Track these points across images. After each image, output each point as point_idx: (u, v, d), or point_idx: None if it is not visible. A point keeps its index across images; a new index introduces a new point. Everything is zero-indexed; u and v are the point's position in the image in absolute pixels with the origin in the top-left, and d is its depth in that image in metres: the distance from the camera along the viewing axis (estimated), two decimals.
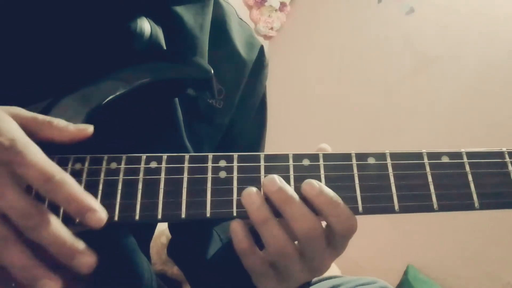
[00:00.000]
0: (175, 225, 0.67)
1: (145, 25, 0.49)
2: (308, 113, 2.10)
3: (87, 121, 0.41)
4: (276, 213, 0.37)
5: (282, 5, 2.23)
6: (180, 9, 0.53)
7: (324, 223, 0.38)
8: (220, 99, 0.58)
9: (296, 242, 0.38)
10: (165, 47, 0.50)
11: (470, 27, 1.91)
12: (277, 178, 0.36)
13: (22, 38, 0.45)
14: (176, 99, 0.52)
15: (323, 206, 0.36)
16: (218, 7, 0.61)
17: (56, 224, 0.33)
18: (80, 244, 0.33)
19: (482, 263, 1.74)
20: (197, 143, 0.55)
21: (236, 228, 0.37)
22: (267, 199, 0.36)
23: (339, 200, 0.36)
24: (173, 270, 1.25)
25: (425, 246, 1.81)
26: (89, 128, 0.37)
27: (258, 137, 0.69)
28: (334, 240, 0.38)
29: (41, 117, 0.37)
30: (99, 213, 0.33)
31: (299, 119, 2.09)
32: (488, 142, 1.76)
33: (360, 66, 2.09)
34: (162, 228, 1.11)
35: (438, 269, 1.80)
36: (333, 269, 1.48)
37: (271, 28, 2.23)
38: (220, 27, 0.60)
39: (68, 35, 0.45)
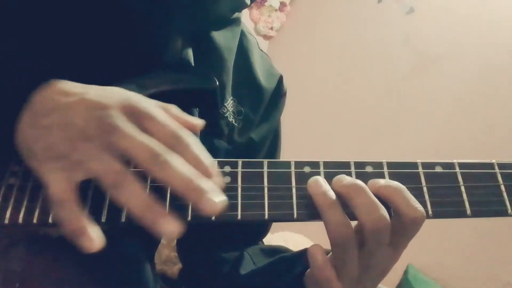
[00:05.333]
0: (185, 252, 0.67)
1: (178, 45, 0.51)
2: (308, 113, 2.10)
3: None
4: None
5: (282, 5, 2.23)
6: (214, 32, 0.57)
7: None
8: (240, 119, 0.61)
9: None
10: (193, 64, 0.53)
11: (470, 27, 1.91)
12: (342, 176, 0.39)
13: (54, 42, 0.46)
14: (196, 112, 0.53)
15: (391, 195, 0.38)
16: (243, 37, 0.65)
17: (182, 164, 0.33)
18: (206, 189, 0.32)
19: (482, 263, 1.73)
20: (213, 156, 0.56)
21: (315, 254, 0.39)
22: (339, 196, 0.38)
23: (404, 188, 0.38)
24: (173, 270, 1.25)
25: (425, 246, 1.81)
26: (201, 123, 0.40)
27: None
28: (399, 234, 0.39)
29: (159, 102, 0.38)
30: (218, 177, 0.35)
31: (299, 119, 2.08)
32: (488, 142, 1.76)
33: (360, 66, 2.09)
34: None
35: (438, 269, 1.80)
36: None
37: (271, 28, 2.24)
38: (243, 55, 0.64)
39: (99, 41, 0.47)
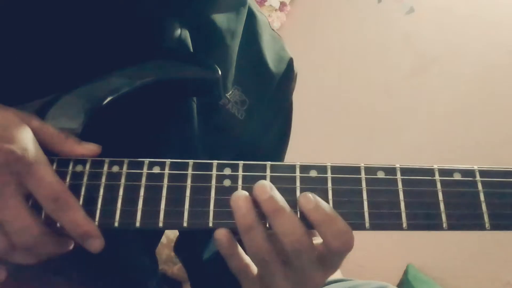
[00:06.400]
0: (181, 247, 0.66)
1: (175, 28, 0.48)
2: (307, 112, 2.10)
3: (87, 121, 0.40)
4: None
5: (282, 5, 2.22)
6: (214, 14, 0.53)
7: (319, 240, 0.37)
8: (243, 110, 0.57)
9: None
10: (192, 50, 0.50)
11: (470, 27, 1.91)
12: (268, 186, 0.35)
13: (36, 30, 0.44)
14: (194, 106, 0.51)
15: (318, 222, 0.35)
16: (252, 17, 0.60)
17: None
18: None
19: (482, 263, 1.73)
20: (213, 151, 0.54)
21: (219, 236, 0.36)
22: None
23: (336, 215, 0.35)
24: (173, 269, 1.25)
25: (425, 246, 1.81)
26: (99, 150, 0.38)
27: (278, 151, 0.68)
28: (328, 258, 0.37)
29: (56, 131, 0.37)
30: (99, 241, 0.35)
31: (298, 118, 2.08)
32: (488, 143, 1.76)
33: (360, 66, 2.09)
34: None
35: (438, 269, 1.80)
36: None
37: None
38: (251, 38, 0.59)
39: (92, 28, 0.45)
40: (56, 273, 0.43)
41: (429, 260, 1.81)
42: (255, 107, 0.59)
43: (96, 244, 0.34)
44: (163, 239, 1.19)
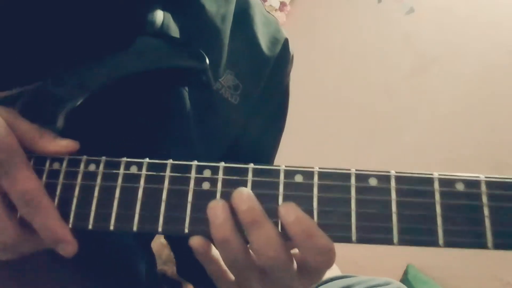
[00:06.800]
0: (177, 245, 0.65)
1: (158, 14, 0.46)
2: (307, 112, 2.10)
3: (68, 116, 0.39)
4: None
5: (282, 5, 2.22)
6: None
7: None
8: (237, 94, 0.55)
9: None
10: (177, 35, 0.47)
11: (470, 27, 1.91)
12: (246, 195, 0.32)
13: (24, 17, 0.43)
14: (185, 94, 0.49)
15: (298, 237, 0.32)
16: None
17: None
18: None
19: (482, 263, 1.73)
20: (208, 139, 0.53)
21: (195, 244, 0.34)
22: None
23: (318, 231, 0.32)
24: (173, 269, 1.25)
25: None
26: (76, 146, 0.36)
27: (272, 138, 0.66)
28: (306, 272, 0.35)
29: (30, 126, 0.36)
30: (72, 247, 0.34)
31: (298, 118, 2.08)
32: (488, 143, 1.76)
33: (360, 66, 2.09)
34: None
35: (438, 269, 1.80)
36: (333, 269, 1.48)
37: None
38: (243, 20, 0.57)
39: (71, 17, 0.43)
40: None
41: (429, 260, 1.81)
42: (249, 91, 0.57)
43: (68, 249, 0.34)
44: (163, 239, 1.19)
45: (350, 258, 1.72)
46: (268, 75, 0.59)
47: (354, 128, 2.02)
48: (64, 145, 0.36)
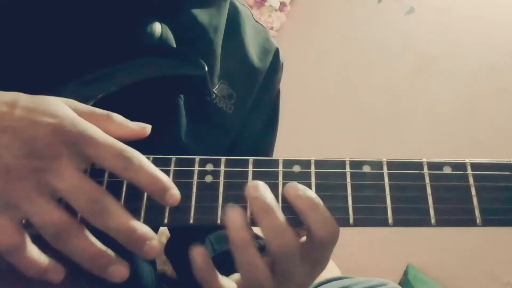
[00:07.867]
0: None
1: (156, 26, 0.47)
2: (307, 112, 2.10)
3: None
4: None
5: (282, 5, 2.22)
6: (196, 10, 0.52)
7: (303, 239, 0.36)
8: (231, 103, 0.56)
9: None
10: (175, 46, 0.49)
11: (470, 27, 1.91)
12: (261, 186, 0.34)
13: (29, 29, 0.43)
14: (181, 103, 0.50)
15: (304, 209, 0.34)
16: (233, 9, 0.59)
17: (123, 211, 0.31)
18: (149, 233, 0.32)
19: (482, 263, 1.73)
20: (204, 148, 0.53)
21: (197, 257, 0.35)
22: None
23: (321, 203, 0.34)
24: (173, 270, 1.25)
25: (425, 246, 1.81)
26: (148, 128, 0.36)
27: (268, 142, 0.67)
28: (313, 252, 0.36)
29: (99, 110, 0.35)
30: (176, 194, 0.33)
31: (298, 118, 2.08)
32: (488, 142, 1.76)
33: (360, 66, 2.09)
34: (162, 228, 1.11)
35: (438, 269, 1.80)
36: (333, 269, 1.48)
37: (271, 28, 2.23)
38: (233, 31, 0.58)
39: (76, 29, 0.43)
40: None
41: (429, 260, 1.81)
42: (243, 100, 0.58)
43: (174, 197, 0.33)
44: (163, 239, 1.19)
45: (351, 258, 1.72)
46: (260, 84, 0.61)
47: (354, 128, 2.02)
48: (140, 126, 0.36)
